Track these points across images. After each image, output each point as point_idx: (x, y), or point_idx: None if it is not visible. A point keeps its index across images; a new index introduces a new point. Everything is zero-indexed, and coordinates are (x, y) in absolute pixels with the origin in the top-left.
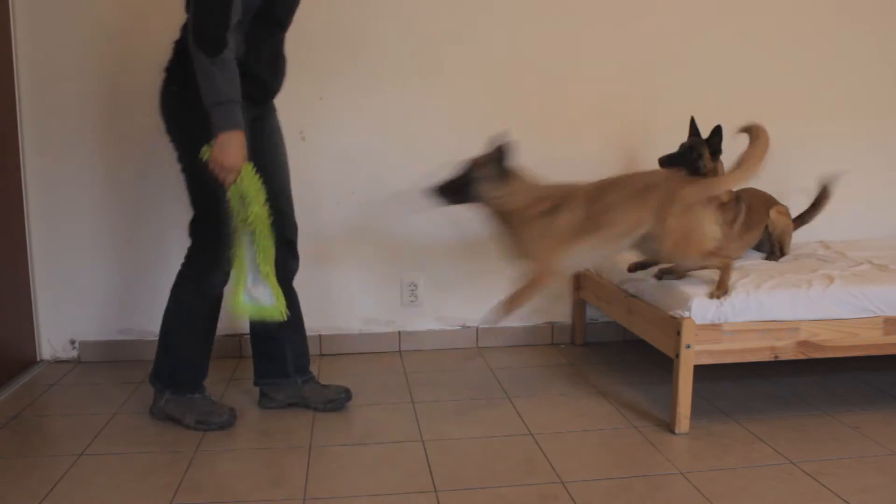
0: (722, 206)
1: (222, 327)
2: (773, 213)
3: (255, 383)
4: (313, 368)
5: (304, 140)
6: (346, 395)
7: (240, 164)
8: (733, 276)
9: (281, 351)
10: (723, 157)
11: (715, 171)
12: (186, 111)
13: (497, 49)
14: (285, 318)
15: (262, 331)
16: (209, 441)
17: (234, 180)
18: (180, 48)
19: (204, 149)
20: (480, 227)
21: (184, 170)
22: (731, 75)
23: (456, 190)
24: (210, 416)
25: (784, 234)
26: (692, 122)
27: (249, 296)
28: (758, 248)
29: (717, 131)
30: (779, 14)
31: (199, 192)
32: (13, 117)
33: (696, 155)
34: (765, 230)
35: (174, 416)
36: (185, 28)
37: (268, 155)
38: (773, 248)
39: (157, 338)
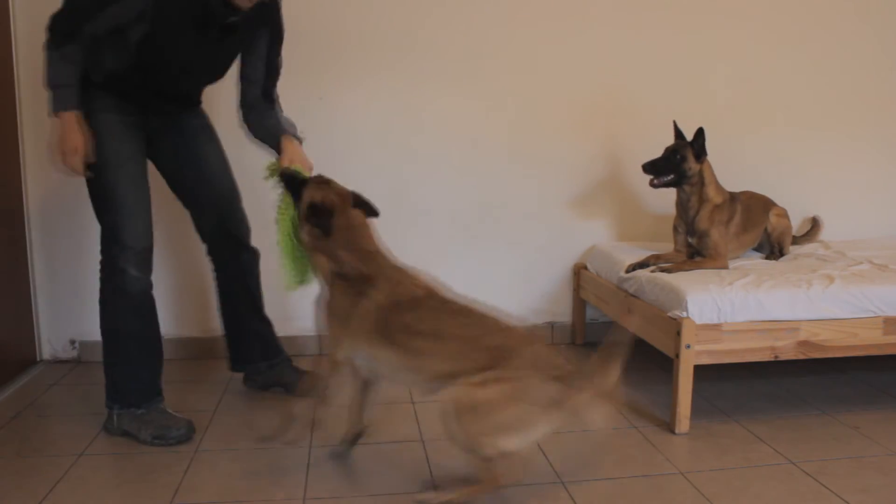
0: (717, 207)
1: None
2: (772, 217)
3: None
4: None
5: (304, 140)
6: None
7: (80, 144)
8: (735, 275)
9: (241, 339)
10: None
11: (700, 174)
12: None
13: (497, 49)
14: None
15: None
16: (209, 441)
17: (80, 163)
18: None
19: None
20: (481, 226)
21: None
22: (732, 75)
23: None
24: (167, 430)
25: (783, 236)
26: (675, 126)
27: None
28: (758, 248)
29: (699, 133)
30: (779, 14)
31: (88, 188)
32: (13, 117)
33: (680, 158)
34: (764, 232)
35: (129, 432)
36: None
37: (190, 160)
38: (773, 248)
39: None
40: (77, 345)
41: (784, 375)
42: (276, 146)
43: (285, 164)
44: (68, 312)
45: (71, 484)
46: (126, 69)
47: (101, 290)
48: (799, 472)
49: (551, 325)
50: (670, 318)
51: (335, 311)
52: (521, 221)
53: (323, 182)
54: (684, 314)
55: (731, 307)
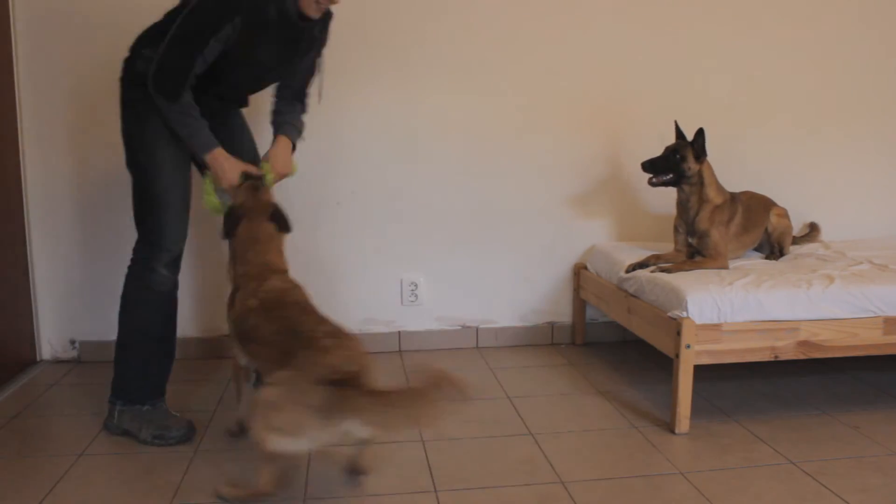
0: (717, 207)
1: (223, 327)
2: (772, 217)
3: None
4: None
5: (304, 140)
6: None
7: (234, 176)
8: (735, 275)
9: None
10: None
11: (700, 174)
12: (133, 120)
13: (497, 50)
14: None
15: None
16: (209, 441)
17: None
18: (130, 64)
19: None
20: (481, 226)
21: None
22: (732, 76)
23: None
24: (167, 430)
25: (784, 236)
26: (676, 126)
27: (219, 196)
28: (758, 249)
29: (699, 134)
30: (779, 14)
31: (135, 189)
32: (13, 117)
33: (680, 157)
34: (764, 232)
35: (130, 431)
36: (132, 53)
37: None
38: (773, 248)
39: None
40: (77, 345)
41: (784, 375)
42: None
43: (269, 161)
44: (68, 312)
45: (71, 484)
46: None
47: (129, 287)
48: (799, 472)
49: (551, 326)
50: (670, 318)
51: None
52: (522, 221)
53: (252, 188)
54: (684, 314)
55: (731, 307)
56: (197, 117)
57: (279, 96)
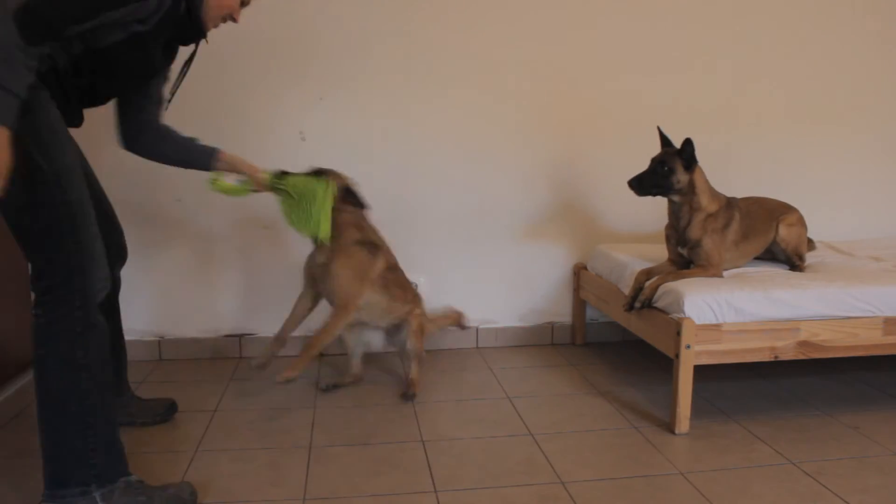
0: (710, 215)
1: (223, 327)
2: (782, 229)
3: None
4: (313, 369)
5: (304, 140)
6: (173, 407)
7: (7, 164)
8: (735, 276)
9: (118, 367)
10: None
11: (691, 183)
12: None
13: (498, 50)
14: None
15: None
16: (209, 441)
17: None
18: None
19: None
20: (481, 226)
21: None
22: (733, 75)
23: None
24: (180, 494)
25: (799, 246)
26: (660, 132)
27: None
28: (773, 258)
29: (687, 143)
30: (780, 15)
31: (25, 200)
32: None
33: (668, 170)
34: (776, 244)
35: None
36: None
37: (88, 172)
38: (791, 260)
39: (43, 432)
40: None
41: (784, 375)
42: (209, 160)
43: (248, 171)
44: None
45: None
46: (71, 66)
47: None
48: (799, 472)
49: (551, 326)
50: (670, 318)
51: (358, 267)
52: (521, 221)
53: (336, 173)
54: (684, 314)
55: (730, 307)
56: (27, 82)
57: (146, 125)
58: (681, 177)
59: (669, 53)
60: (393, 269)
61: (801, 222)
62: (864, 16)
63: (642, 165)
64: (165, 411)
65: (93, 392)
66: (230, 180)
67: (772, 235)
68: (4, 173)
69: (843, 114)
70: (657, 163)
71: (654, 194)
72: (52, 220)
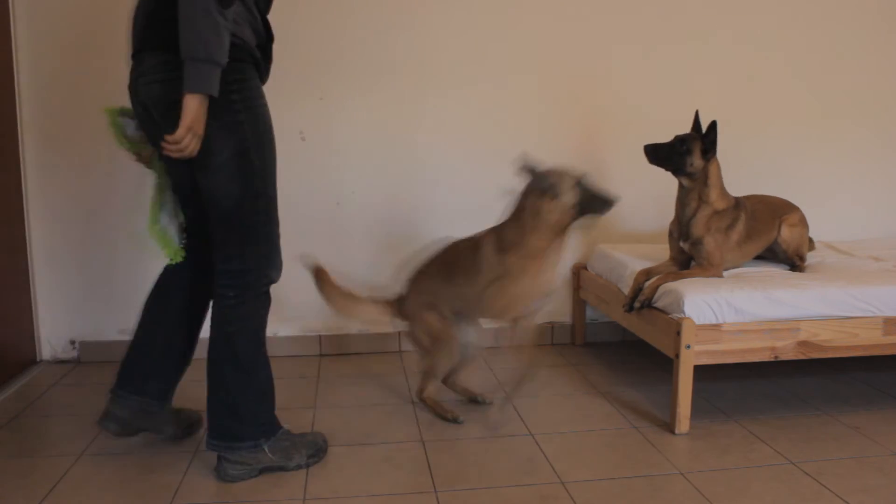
0: (717, 213)
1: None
2: (784, 230)
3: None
4: (313, 369)
5: (304, 140)
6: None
7: (202, 127)
8: (734, 276)
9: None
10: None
11: (705, 172)
12: (220, 99)
13: (497, 51)
14: (177, 261)
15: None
16: None
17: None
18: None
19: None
20: (481, 226)
21: (207, 168)
22: (734, 75)
23: (665, 156)
24: (316, 445)
25: (800, 247)
26: (696, 116)
27: (162, 225)
28: (774, 257)
29: (712, 127)
30: (782, 14)
31: (236, 191)
32: (13, 117)
33: (686, 149)
34: (777, 244)
35: (276, 465)
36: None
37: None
38: (793, 260)
39: (226, 394)
40: (77, 345)
41: (784, 375)
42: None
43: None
44: (68, 312)
45: (71, 484)
46: (262, 27)
47: (260, 316)
48: (799, 472)
49: (551, 326)
50: (670, 318)
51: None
52: None
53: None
54: (684, 314)
55: (730, 307)
56: (227, 48)
57: None
58: (696, 161)
59: (669, 54)
60: None
61: (803, 222)
62: (867, 14)
63: (644, 166)
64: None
65: (269, 364)
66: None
67: (774, 235)
68: (200, 134)
69: (843, 113)
70: (678, 140)
71: (666, 168)
72: (258, 212)
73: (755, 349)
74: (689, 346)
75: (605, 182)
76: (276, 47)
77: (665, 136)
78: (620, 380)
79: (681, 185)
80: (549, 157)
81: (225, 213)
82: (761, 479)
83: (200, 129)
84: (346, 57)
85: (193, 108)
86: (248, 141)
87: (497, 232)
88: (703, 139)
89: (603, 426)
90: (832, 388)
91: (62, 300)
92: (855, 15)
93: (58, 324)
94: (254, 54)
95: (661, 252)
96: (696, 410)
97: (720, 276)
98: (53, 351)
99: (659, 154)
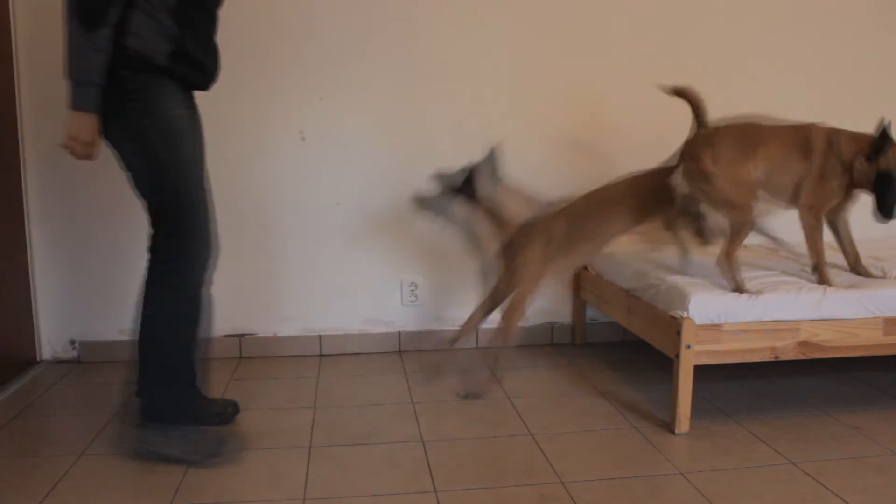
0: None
1: (223, 327)
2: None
3: (138, 394)
4: (313, 369)
5: (304, 140)
6: (234, 408)
7: (96, 141)
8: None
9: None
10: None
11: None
12: (122, 107)
13: (497, 51)
14: None
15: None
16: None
17: (95, 151)
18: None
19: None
20: (481, 226)
21: (130, 168)
22: (735, 75)
23: (450, 193)
24: (222, 444)
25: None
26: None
27: None
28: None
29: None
30: (779, 15)
31: (156, 186)
32: (13, 116)
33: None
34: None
35: (176, 455)
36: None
37: (202, 150)
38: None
39: (144, 365)
40: (77, 345)
41: (784, 375)
42: None
43: None
44: (68, 312)
45: (71, 484)
46: (179, 36)
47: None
48: (799, 472)
49: (551, 326)
50: (670, 318)
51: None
52: None
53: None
54: (685, 314)
55: (731, 307)
56: (102, 66)
57: None
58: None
59: (669, 54)
60: None
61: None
62: (868, 14)
63: (642, 165)
64: (225, 413)
65: (187, 357)
66: None
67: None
68: (93, 144)
69: (843, 113)
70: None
71: None
72: (180, 206)
73: (755, 349)
74: (689, 346)
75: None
76: (276, 47)
77: (665, 136)
78: (620, 380)
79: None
80: (548, 157)
81: (150, 208)
82: (761, 479)
83: (86, 137)
84: (346, 57)
85: (74, 121)
86: (156, 143)
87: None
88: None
89: (603, 426)
90: (832, 388)
91: (62, 300)
92: (855, 15)
93: (58, 324)
94: (158, 63)
95: (661, 252)
96: (696, 410)
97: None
98: (53, 351)
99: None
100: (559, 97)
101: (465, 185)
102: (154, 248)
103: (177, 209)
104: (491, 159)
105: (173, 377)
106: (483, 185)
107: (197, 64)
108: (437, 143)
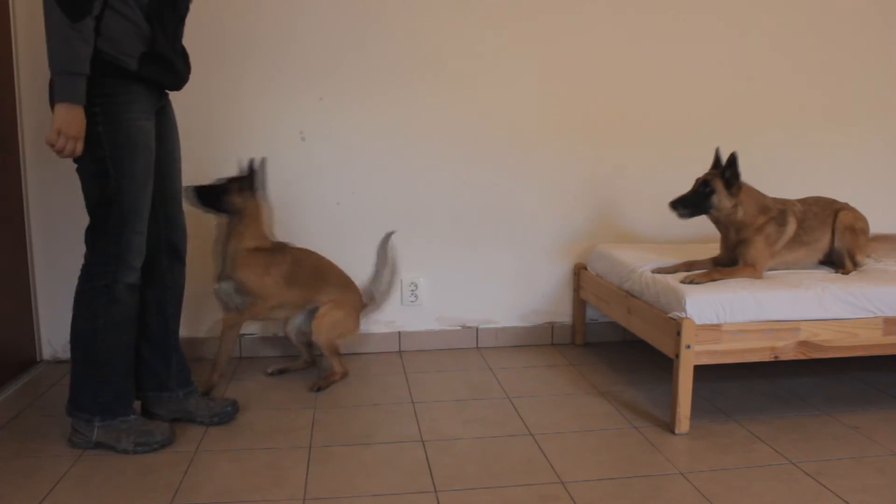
0: (759, 228)
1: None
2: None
3: (136, 396)
4: (313, 369)
5: (304, 140)
6: (233, 407)
7: (82, 135)
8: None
9: (165, 363)
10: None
11: (734, 207)
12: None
13: (497, 52)
14: None
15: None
16: (209, 441)
17: (80, 146)
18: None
19: None
20: (481, 227)
21: (78, 168)
22: (736, 75)
23: (693, 203)
24: (150, 435)
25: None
26: (716, 154)
27: None
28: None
29: (731, 162)
30: (780, 15)
31: (93, 190)
32: (13, 117)
33: (710, 190)
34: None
35: (106, 443)
36: None
37: (169, 153)
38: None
39: (74, 360)
40: None
41: (784, 375)
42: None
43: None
44: (68, 312)
45: (71, 484)
46: (151, 36)
47: (88, 295)
48: (799, 472)
49: (551, 326)
50: (670, 318)
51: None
52: (521, 221)
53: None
54: (684, 314)
55: (730, 307)
56: (87, 57)
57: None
58: (723, 199)
59: (670, 56)
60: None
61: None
62: (865, 16)
63: (644, 166)
64: (224, 412)
65: (119, 353)
66: None
67: (828, 239)
68: (79, 138)
69: (843, 114)
70: (700, 183)
71: (696, 214)
72: (111, 214)
73: (755, 349)
74: (689, 346)
75: (605, 182)
76: (276, 47)
77: (665, 137)
78: (620, 380)
79: (715, 220)
80: (548, 157)
81: (87, 209)
82: (761, 479)
83: (73, 132)
84: (346, 57)
85: (60, 114)
86: (105, 151)
87: None
88: (722, 175)
89: (603, 426)
90: (832, 388)
91: (62, 300)
92: (856, 15)
93: (58, 324)
94: (128, 68)
95: (661, 252)
96: (696, 410)
97: (759, 276)
98: (53, 351)
99: (687, 204)
100: (559, 97)
101: (215, 197)
102: (86, 244)
103: (107, 216)
104: (253, 174)
105: (93, 371)
106: (238, 198)
107: (168, 63)
108: (438, 142)
